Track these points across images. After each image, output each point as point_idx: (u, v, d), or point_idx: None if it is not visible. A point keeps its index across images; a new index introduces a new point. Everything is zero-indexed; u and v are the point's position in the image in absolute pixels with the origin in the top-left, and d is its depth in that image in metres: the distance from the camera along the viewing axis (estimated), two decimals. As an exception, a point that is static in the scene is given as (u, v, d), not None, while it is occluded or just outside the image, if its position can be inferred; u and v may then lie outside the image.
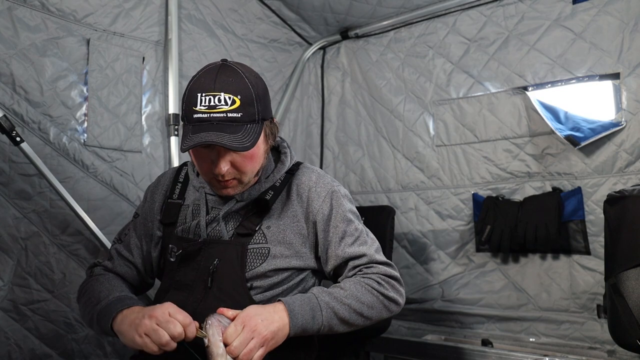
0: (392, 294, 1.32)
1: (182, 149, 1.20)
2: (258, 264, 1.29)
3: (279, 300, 1.20)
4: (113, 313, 1.17)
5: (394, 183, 2.78)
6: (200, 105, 1.19)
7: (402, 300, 1.35)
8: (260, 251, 1.30)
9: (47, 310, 1.83)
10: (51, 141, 1.89)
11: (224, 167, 1.23)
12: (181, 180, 1.45)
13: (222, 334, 1.08)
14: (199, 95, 1.19)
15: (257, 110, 1.24)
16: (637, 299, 1.60)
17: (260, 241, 1.31)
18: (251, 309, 1.15)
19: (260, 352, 1.10)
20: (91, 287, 1.31)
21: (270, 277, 1.29)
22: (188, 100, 1.22)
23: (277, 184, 1.37)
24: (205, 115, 1.18)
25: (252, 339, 1.09)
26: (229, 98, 1.19)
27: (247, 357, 1.08)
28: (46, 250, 1.86)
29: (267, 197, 1.33)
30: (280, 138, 1.46)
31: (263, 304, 1.24)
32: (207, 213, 1.35)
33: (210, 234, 1.33)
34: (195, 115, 1.20)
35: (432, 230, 2.62)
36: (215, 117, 1.18)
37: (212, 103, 1.19)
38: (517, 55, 2.40)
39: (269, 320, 1.13)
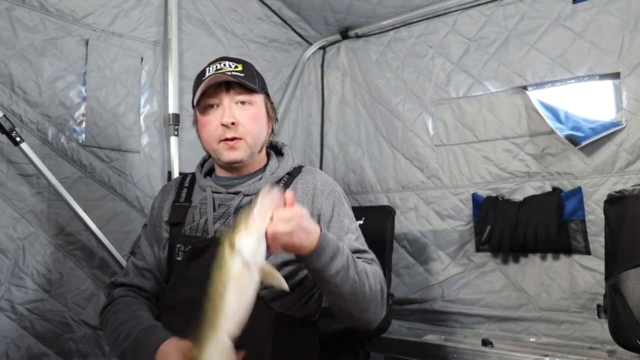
0: (385, 301, 1.30)
1: (196, 100, 1.35)
2: (265, 257, 1.29)
3: (321, 230, 1.13)
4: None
5: (394, 183, 2.77)
6: (208, 73, 1.34)
7: (383, 314, 1.31)
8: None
9: (43, 310, 1.82)
10: (49, 141, 1.89)
11: (230, 117, 1.31)
12: (186, 185, 1.49)
13: (270, 209, 1.02)
14: (207, 68, 1.36)
15: (257, 79, 1.39)
16: (637, 299, 1.59)
17: None
18: (306, 218, 1.08)
19: (273, 247, 1.05)
20: (114, 317, 1.29)
21: (277, 270, 1.29)
22: (198, 79, 1.38)
23: (281, 184, 1.40)
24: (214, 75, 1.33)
25: (287, 234, 1.04)
26: (233, 64, 1.36)
27: (271, 237, 1.03)
28: (43, 250, 1.85)
29: None
30: (282, 143, 1.55)
31: (270, 300, 1.27)
32: (214, 210, 1.37)
33: (218, 230, 1.34)
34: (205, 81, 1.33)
35: (432, 230, 2.61)
36: (223, 74, 1.32)
37: (218, 67, 1.35)
38: (517, 55, 2.39)
39: (305, 237, 1.08)
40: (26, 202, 1.83)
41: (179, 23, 2.35)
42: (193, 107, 1.42)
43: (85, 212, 1.90)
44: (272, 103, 1.47)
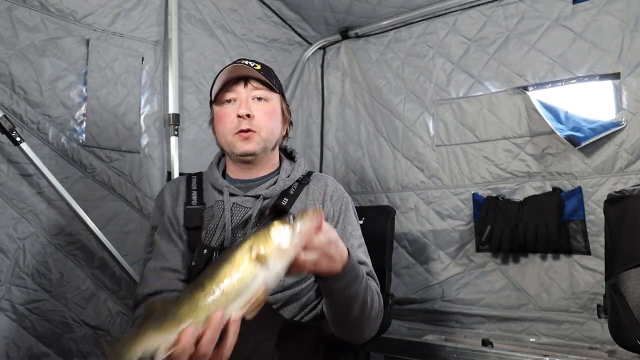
0: (380, 318, 1.30)
1: (214, 94, 1.41)
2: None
3: (349, 253, 1.10)
4: None
5: (394, 183, 2.77)
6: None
7: (374, 333, 1.31)
8: None
9: (44, 310, 1.83)
10: (50, 141, 1.89)
11: (247, 109, 1.35)
12: (194, 188, 1.47)
13: (308, 236, 0.93)
14: (227, 67, 1.39)
15: (275, 79, 1.44)
16: (637, 299, 1.59)
17: None
18: (334, 245, 1.02)
19: (296, 270, 0.97)
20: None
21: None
22: (217, 76, 1.41)
23: (292, 192, 1.42)
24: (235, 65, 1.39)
25: (312, 262, 0.98)
26: (252, 62, 1.41)
27: (297, 263, 0.94)
28: (44, 250, 1.85)
29: (284, 203, 1.37)
30: (291, 147, 1.59)
31: (279, 304, 1.28)
32: (232, 214, 1.36)
33: (237, 235, 1.33)
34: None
35: (432, 230, 2.61)
36: (243, 67, 1.38)
37: (239, 64, 1.39)
38: (518, 55, 2.39)
39: (327, 265, 1.02)
40: (26, 202, 1.83)
41: (179, 23, 2.35)
42: (210, 105, 1.46)
43: (85, 212, 1.90)
44: (287, 105, 1.50)
